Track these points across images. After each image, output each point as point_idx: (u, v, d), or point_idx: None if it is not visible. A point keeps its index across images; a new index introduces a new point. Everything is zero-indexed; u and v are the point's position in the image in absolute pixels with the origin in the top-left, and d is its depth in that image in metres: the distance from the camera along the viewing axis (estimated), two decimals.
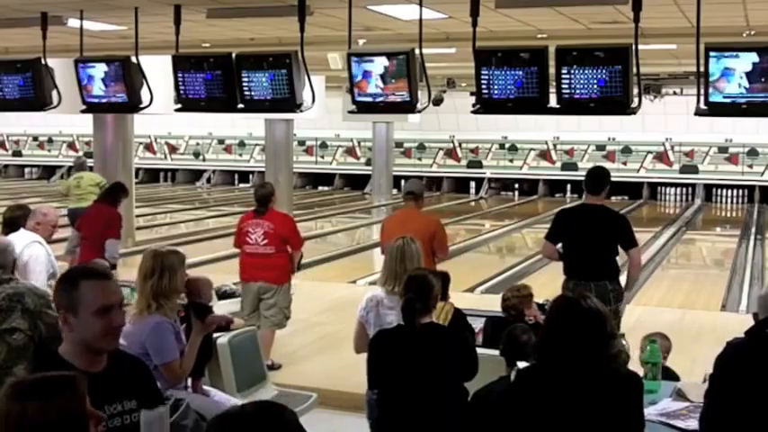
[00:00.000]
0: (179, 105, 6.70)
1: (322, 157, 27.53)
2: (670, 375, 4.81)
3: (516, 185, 26.00)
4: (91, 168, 12.80)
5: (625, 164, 23.78)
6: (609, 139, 24.41)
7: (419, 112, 6.28)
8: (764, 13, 7.37)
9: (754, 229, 17.72)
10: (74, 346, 2.64)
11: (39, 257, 5.70)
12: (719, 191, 23.97)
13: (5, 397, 2.05)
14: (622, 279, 6.21)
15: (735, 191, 23.81)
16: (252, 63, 6.33)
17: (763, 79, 4.97)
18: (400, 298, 4.09)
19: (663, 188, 24.34)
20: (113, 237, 8.07)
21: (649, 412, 3.69)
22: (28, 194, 22.60)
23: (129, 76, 6.89)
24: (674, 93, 18.69)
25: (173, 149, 29.22)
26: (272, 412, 1.92)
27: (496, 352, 4.34)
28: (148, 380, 2.92)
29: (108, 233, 8.01)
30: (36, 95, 7.20)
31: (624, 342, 4.22)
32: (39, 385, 2.08)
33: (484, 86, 5.64)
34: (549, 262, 7.31)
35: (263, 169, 18.60)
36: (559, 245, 6.23)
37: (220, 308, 6.08)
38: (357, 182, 26.47)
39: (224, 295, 7.55)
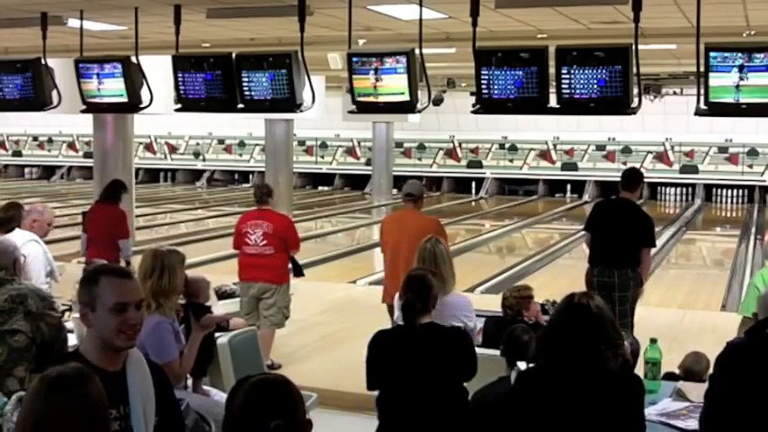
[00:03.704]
0: (179, 105, 6.70)
1: (322, 157, 27.51)
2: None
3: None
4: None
5: (625, 164, 23.67)
6: (609, 139, 24.41)
7: (419, 112, 6.28)
8: (764, 13, 7.37)
9: (754, 229, 17.71)
10: (93, 343, 2.69)
11: (36, 256, 5.68)
12: (719, 191, 23.98)
13: (42, 393, 2.13)
14: None
15: (735, 191, 23.82)
16: (252, 63, 6.33)
17: (762, 79, 4.97)
18: (400, 298, 4.09)
19: (663, 188, 24.34)
20: (123, 236, 8.07)
21: (649, 412, 3.68)
22: (28, 194, 22.59)
23: (129, 76, 6.90)
24: (674, 93, 18.68)
25: (173, 149, 29.21)
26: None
27: (496, 352, 4.33)
28: (164, 386, 2.91)
29: (116, 232, 8.01)
30: (36, 95, 7.20)
31: (626, 343, 4.20)
32: (68, 378, 2.16)
33: (484, 86, 5.64)
34: (549, 262, 7.39)
35: (263, 169, 18.60)
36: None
37: (220, 308, 6.09)
38: (357, 182, 26.46)
39: (224, 295, 7.54)
